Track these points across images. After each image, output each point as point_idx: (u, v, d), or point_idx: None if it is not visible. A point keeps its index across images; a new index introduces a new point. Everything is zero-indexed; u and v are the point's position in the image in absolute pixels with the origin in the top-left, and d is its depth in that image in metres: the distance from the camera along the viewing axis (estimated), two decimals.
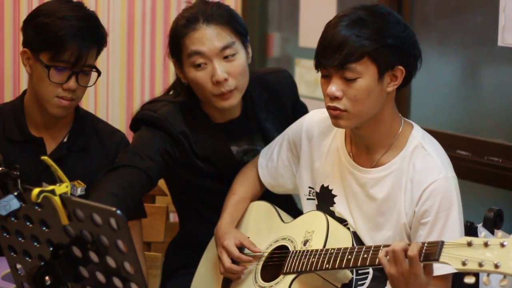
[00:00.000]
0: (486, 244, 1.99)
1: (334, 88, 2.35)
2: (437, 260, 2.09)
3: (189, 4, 2.82)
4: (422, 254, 2.13)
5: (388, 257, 2.18)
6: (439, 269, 2.26)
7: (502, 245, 1.97)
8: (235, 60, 2.71)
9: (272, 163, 2.74)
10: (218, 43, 2.69)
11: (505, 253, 1.96)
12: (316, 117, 2.62)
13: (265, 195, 2.80)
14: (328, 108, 2.38)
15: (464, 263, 2.01)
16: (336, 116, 2.38)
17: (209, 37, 2.69)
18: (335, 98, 2.35)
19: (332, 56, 2.32)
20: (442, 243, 2.09)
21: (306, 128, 2.63)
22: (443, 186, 2.35)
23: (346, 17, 2.36)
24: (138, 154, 2.66)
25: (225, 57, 2.69)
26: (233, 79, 2.69)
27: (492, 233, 2.56)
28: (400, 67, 2.36)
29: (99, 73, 2.74)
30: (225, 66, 2.69)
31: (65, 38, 2.62)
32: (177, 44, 2.74)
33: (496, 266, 1.96)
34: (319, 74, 2.43)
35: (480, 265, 1.98)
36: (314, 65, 2.40)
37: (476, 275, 2.02)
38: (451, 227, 2.34)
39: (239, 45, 2.73)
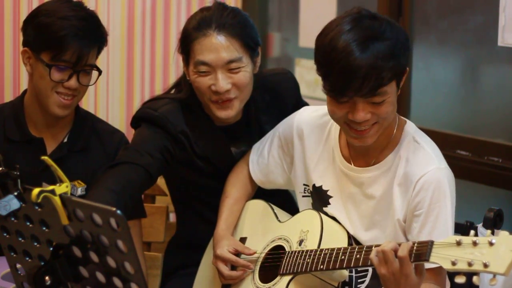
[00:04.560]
0: (474, 243, 1.98)
1: (363, 113, 2.29)
2: (427, 260, 2.08)
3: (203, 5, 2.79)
4: (413, 255, 2.12)
5: (378, 257, 2.18)
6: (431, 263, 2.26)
7: (491, 244, 1.96)
8: (240, 73, 2.68)
9: (263, 159, 2.73)
10: (225, 55, 2.66)
11: (493, 252, 1.95)
12: (307, 115, 2.61)
13: (265, 194, 2.80)
14: (357, 131, 2.34)
15: (453, 263, 2.00)
16: (363, 136, 2.34)
17: (217, 47, 2.66)
18: (364, 122, 2.32)
19: (358, 86, 2.25)
20: (432, 243, 2.08)
21: (296, 126, 2.62)
22: (435, 177, 2.35)
23: (355, 34, 2.27)
24: (137, 151, 2.66)
25: (230, 69, 2.68)
26: (235, 90, 2.69)
27: (493, 233, 2.55)
28: (406, 70, 2.37)
29: (100, 72, 2.74)
30: (229, 77, 2.68)
31: (66, 38, 2.62)
32: (187, 45, 2.72)
33: (485, 265, 1.95)
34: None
35: (470, 264, 1.97)
36: (332, 93, 2.31)
37: (467, 274, 2.01)
38: (444, 219, 2.33)
39: (247, 59, 2.70)
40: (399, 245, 2.15)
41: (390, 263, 2.14)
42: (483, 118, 3.39)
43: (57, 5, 2.69)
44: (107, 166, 2.64)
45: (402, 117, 2.48)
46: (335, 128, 2.53)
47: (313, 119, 2.57)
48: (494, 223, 2.57)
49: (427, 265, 2.21)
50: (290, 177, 2.67)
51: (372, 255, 2.19)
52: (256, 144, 2.79)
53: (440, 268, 2.15)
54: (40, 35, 2.66)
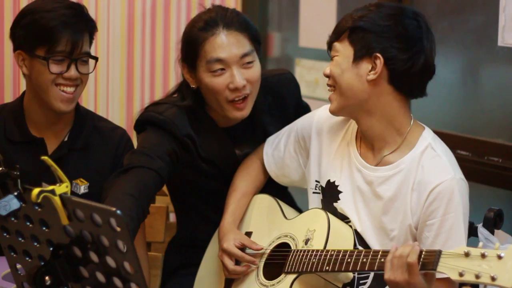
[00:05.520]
0: (483, 255, 1.98)
1: (327, 67, 2.47)
2: (434, 269, 2.08)
3: (202, 8, 2.79)
4: (420, 263, 2.12)
5: (391, 262, 2.17)
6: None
7: (499, 257, 1.96)
8: (253, 68, 2.70)
9: (279, 153, 2.74)
10: (238, 50, 2.67)
11: (502, 265, 1.95)
12: (328, 112, 2.62)
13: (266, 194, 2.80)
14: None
15: (461, 274, 2.00)
16: (329, 99, 2.48)
17: (229, 44, 2.67)
18: (327, 78, 2.48)
19: (330, 36, 2.48)
20: (440, 252, 2.08)
21: (316, 122, 2.64)
22: (451, 187, 2.34)
23: (369, 5, 2.45)
24: (148, 155, 2.65)
25: (244, 64, 2.68)
26: (250, 86, 2.69)
27: (492, 233, 2.55)
28: (378, 55, 2.37)
29: (96, 59, 2.73)
30: (244, 73, 2.68)
31: (56, 28, 2.62)
32: (194, 49, 2.71)
33: (493, 278, 1.95)
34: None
35: (477, 277, 1.97)
36: None
37: (474, 286, 2.01)
38: (458, 230, 2.33)
39: (255, 54, 2.72)
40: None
41: (400, 270, 2.13)
42: (483, 118, 3.39)
43: (40, 2, 2.70)
44: (118, 171, 2.63)
45: (419, 123, 2.49)
46: (354, 124, 2.54)
47: (333, 117, 2.57)
48: (494, 223, 2.56)
49: (442, 275, 2.21)
50: (305, 172, 2.67)
51: (389, 258, 2.18)
52: (271, 137, 2.79)
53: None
54: (30, 32, 2.66)
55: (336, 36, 2.44)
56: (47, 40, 2.63)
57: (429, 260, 2.10)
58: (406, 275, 2.13)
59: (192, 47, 2.71)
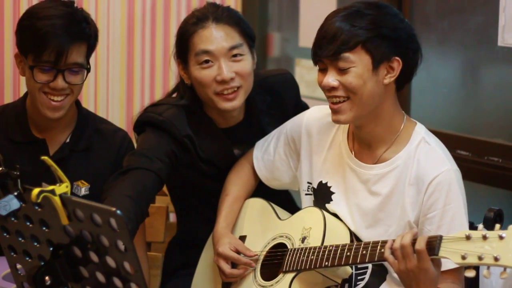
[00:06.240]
0: (484, 237, 2.00)
1: (330, 79, 2.37)
2: (436, 255, 2.09)
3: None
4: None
5: (394, 254, 2.18)
6: (449, 262, 2.25)
7: (501, 238, 1.98)
8: (242, 62, 2.71)
9: (269, 156, 2.74)
10: (226, 43, 2.69)
11: (504, 245, 1.97)
12: (317, 113, 2.63)
13: (265, 194, 2.80)
14: (328, 99, 2.41)
15: (463, 257, 2.01)
16: (336, 110, 2.39)
17: (217, 36, 2.69)
18: (331, 89, 2.38)
19: (326, 46, 2.36)
20: (441, 237, 2.09)
21: (306, 124, 2.63)
22: (448, 179, 2.35)
23: (344, 10, 2.39)
24: (147, 156, 2.66)
25: (233, 56, 2.69)
26: (239, 79, 2.69)
27: None
28: (397, 58, 2.37)
29: (87, 70, 2.68)
30: (232, 66, 2.69)
31: (44, 37, 2.58)
32: (185, 43, 2.73)
33: (496, 259, 1.96)
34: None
35: (480, 258, 1.98)
36: (311, 58, 2.43)
37: (476, 268, 2.02)
38: (460, 219, 2.34)
39: (246, 48, 2.73)
40: (414, 238, 2.15)
41: (409, 259, 2.14)
42: (483, 118, 3.39)
43: (40, 6, 2.67)
44: (118, 173, 2.63)
45: (411, 119, 2.50)
46: (344, 125, 2.54)
47: (323, 118, 2.57)
48: (494, 223, 2.56)
49: (448, 266, 2.21)
50: (296, 175, 2.67)
51: (387, 253, 2.19)
52: (260, 141, 2.79)
53: (459, 267, 2.15)
54: (24, 37, 2.65)
55: (348, 47, 2.34)
56: (34, 49, 2.60)
57: (430, 246, 2.11)
58: (415, 262, 2.13)
59: (183, 41, 2.73)
